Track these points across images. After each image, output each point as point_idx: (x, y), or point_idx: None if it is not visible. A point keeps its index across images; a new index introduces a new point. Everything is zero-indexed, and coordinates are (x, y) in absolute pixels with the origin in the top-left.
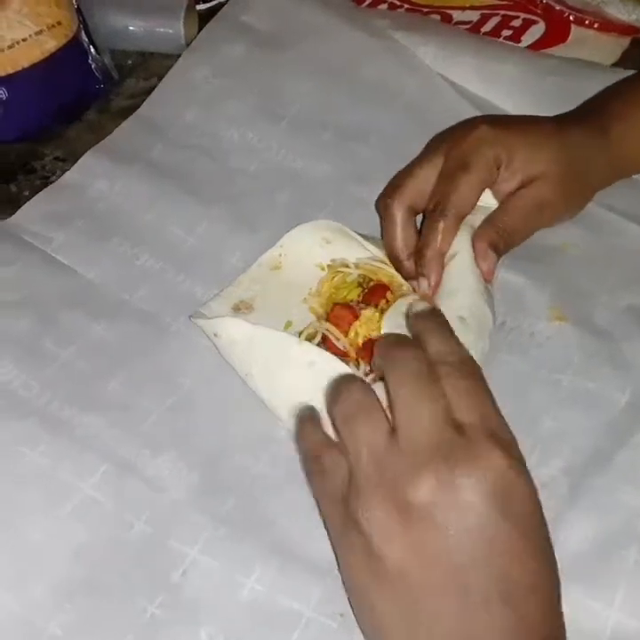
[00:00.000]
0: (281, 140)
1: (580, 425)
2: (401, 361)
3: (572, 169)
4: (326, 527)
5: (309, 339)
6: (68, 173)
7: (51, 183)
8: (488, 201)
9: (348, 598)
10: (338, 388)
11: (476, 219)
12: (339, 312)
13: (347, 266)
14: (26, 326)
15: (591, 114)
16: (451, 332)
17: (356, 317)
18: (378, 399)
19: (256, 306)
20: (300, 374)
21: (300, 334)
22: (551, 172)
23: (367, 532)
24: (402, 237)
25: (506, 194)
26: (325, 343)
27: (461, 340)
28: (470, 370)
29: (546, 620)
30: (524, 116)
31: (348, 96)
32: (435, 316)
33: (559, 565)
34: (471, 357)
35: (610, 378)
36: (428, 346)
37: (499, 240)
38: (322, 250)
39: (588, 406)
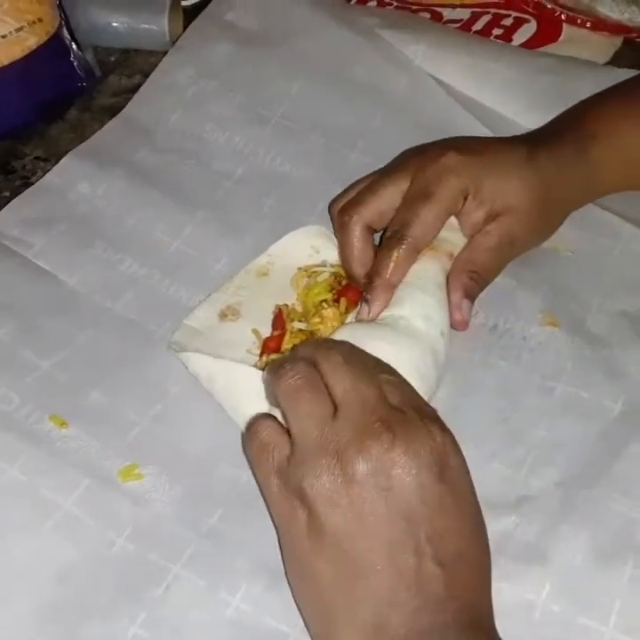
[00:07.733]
0: (267, 144)
1: (573, 435)
2: (333, 351)
3: (543, 198)
4: (266, 502)
5: None
6: (48, 175)
7: (31, 184)
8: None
9: (287, 572)
10: (282, 366)
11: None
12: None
13: (323, 266)
14: (5, 335)
15: (569, 132)
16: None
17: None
18: (321, 377)
19: (243, 312)
20: (264, 405)
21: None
22: (521, 205)
23: (310, 499)
24: (358, 257)
25: (471, 225)
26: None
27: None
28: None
29: (471, 587)
30: (497, 139)
31: (335, 97)
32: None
33: (554, 579)
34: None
35: (603, 386)
36: None
37: (473, 286)
38: (310, 259)
39: (582, 416)
